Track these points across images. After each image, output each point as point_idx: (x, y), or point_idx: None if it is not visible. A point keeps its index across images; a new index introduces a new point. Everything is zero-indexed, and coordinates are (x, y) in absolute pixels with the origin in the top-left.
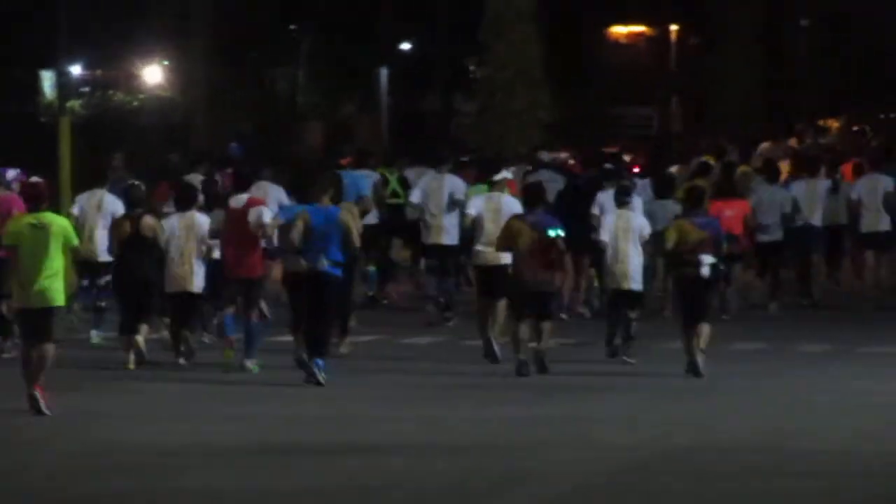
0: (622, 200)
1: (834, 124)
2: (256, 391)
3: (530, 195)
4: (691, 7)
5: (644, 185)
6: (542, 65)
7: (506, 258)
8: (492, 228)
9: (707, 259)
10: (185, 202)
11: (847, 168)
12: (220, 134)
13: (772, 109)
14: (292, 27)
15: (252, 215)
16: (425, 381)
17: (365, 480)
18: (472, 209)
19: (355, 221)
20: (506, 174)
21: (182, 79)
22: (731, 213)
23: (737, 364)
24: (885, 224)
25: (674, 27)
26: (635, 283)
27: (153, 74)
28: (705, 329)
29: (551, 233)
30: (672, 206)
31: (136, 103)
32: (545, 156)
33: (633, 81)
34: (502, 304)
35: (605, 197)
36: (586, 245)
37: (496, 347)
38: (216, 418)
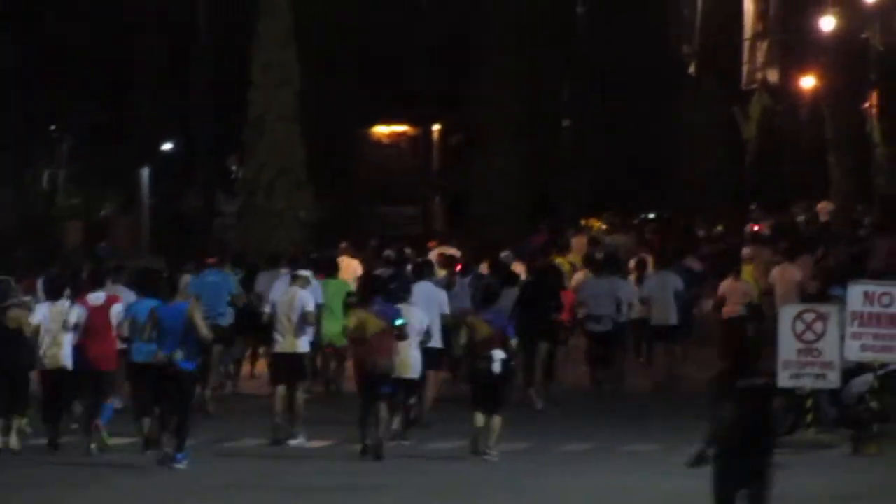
0: (401, 297)
1: (595, 223)
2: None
3: (371, 287)
4: (453, 106)
5: (463, 283)
6: (304, 165)
7: (303, 346)
8: (285, 320)
9: (498, 355)
10: (54, 292)
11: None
12: None
13: (534, 207)
14: (52, 127)
15: (114, 313)
16: (192, 482)
17: None
18: (270, 302)
19: (201, 319)
20: (307, 272)
21: None
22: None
23: (500, 464)
24: (673, 318)
25: (436, 126)
26: (414, 372)
27: None
28: (496, 421)
29: (398, 322)
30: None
31: None
32: (389, 253)
33: (397, 180)
34: (300, 392)
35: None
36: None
37: (282, 433)
38: None
